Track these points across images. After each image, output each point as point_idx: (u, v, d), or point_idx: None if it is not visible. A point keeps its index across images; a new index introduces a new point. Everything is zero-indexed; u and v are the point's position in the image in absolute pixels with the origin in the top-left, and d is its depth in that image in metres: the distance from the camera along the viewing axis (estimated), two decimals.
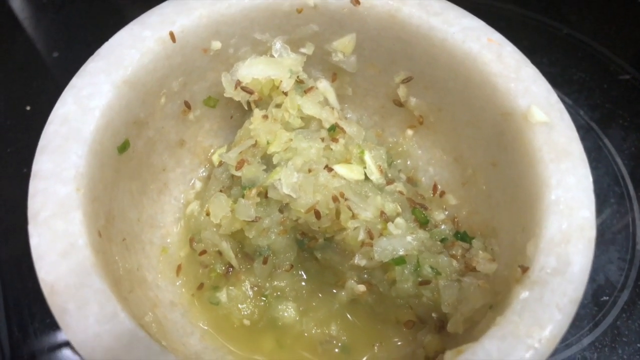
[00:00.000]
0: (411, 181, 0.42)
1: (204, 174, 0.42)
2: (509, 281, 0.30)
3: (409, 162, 0.43)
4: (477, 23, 0.36)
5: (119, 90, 0.33)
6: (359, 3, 0.37)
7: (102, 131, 0.32)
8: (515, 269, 0.30)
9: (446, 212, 0.41)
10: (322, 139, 0.38)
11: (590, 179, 0.32)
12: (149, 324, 0.32)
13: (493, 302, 0.31)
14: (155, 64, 0.35)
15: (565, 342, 0.48)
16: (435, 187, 0.41)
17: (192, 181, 0.41)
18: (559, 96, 0.60)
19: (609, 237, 0.54)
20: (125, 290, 0.32)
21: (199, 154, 0.41)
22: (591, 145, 0.58)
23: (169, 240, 0.39)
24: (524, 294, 0.28)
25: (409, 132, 0.42)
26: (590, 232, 0.30)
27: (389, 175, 0.40)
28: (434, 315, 0.36)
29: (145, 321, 0.32)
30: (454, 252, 0.37)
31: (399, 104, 0.41)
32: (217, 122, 0.42)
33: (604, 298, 0.50)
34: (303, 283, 0.39)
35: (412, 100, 0.41)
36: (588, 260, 0.29)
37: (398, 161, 0.43)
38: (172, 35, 0.35)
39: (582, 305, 0.50)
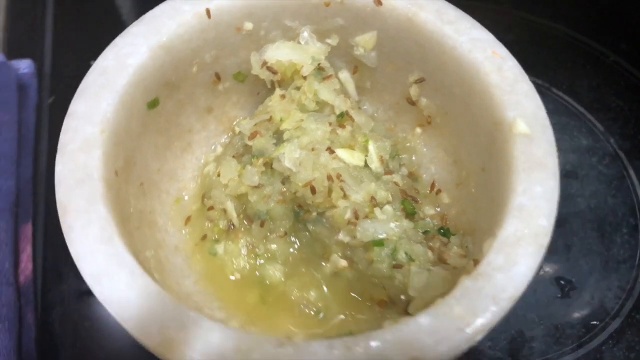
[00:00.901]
0: (412, 176, 0.45)
1: (226, 140, 0.46)
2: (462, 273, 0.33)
3: (414, 158, 0.46)
4: (487, 36, 0.39)
5: (154, 52, 0.38)
6: (381, 3, 0.40)
7: (134, 86, 0.37)
8: (470, 263, 0.33)
9: (438, 209, 0.43)
10: (330, 124, 0.42)
11: (557, 192, 0.34)
12: (148, 259, 0.37)
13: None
14: (190, 35, 0.39)
15: (546, 356, 0.50)
16: (433, 185, 0.44)
17: (215, 145, 0.46)
18: (591, 121, 0.61)
19: (613, 265, 0.54)
20: (132, 226, 0.37)
21: (224, 122, 0.46)
22: (614, 173, 0.59)
23: (184, 194, 0.44)
24: (467, 283, 0.31)
25: (418, 130, 0.45)
26: (544, 239, 0.32)
27: (390, 166, 0.44)
28: (402, 297, 0.39)
29: (145, 255, 0.37)
30: (432, 244, 0.40)
31: (412, 102, 0.44)
32: (245, 96, 0.46)
33: (594, 322, 0.51)
34: (292, 250, 0.43)
35: (423, 101, 0.44)
36: (535, 263, 0.31)
37: (404, 156, 0.46)
38: (208, 11, 0.39)
39: (570, 325, 0.51)
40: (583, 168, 0.59)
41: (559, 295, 0.53)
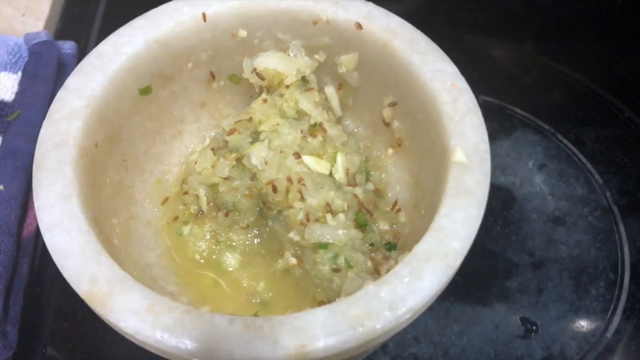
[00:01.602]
0: (378, 192, 0.48)
1: (217, 134, 0.50)
2: None
3: (383, 176, 0.48)
4: (451, 69, 0.41)
5: (149, 45, 0.43)
6: (361, 27, 0.43)
7: (125, 72, 0.42)
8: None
9: (394, 226, 0.46)
10: (302, 131, 0.45)
11: (479, 220, 0.36)
12: (113, 225, 0.42)
13: None
14: (187, 34, 0.44)
15: None
16: (395, 204, 0.47)
17: (205, 138, 0.50)
18: (591, 172, 0.62)
19: (583, 316, 0.55)
20: (104, 193, 0.42)
21: (217, 118, 0.50)
22: (604, 226, 0.59)
23: (167, 177, 0.48)
24: (370, 287, 0.33)
25: (390, 150, 0.48)
26: (453, 261, 0.34)
27: (356, 180, 0.46)
28: (337, 300, 0.41)
29: (112, 222, 0.42)
30: (374, 255, 0.42)
31: (386, 124, 0.47)
32: (239, 97, 0.50)
33: None
34: (251, 242, 0.46)
35: (395, 123, 0.46)
36: (439, 281, 0.33)
37: (375, 172, 0.48)
38: (204, 15, 0.44)
39: None
40: (572, 216, 0.60)
41: (521, 336, 0.53)
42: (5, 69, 0.62)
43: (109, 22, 0.70)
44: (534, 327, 0.54)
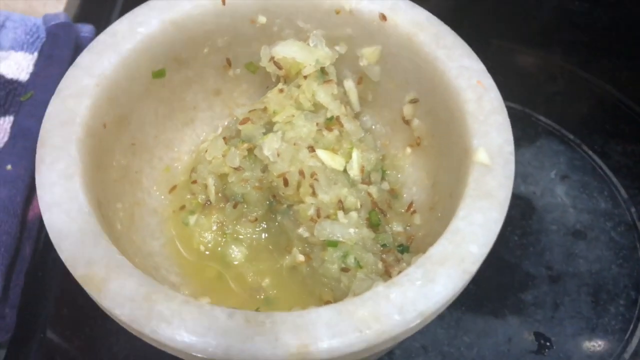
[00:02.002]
0: (393, 192, 0.46)
1: (229, 123, 0.49)
2: None
3: (399, 176, 0.46)
4: (477, 65, 0.39)
5: (165, 26, 0.41)
6: (385, 19, 0.42)
7: (138, 52, 0.40)
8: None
9: (408, 228, 0.44)
10: (317, 124, 0.43)
11: (499, 224, 0.34)
12: (117, 210, 0.40)
13: None
14: (204, 17, 0.43)
15: None
16: (410, 205, 0.45)
17: (217, 127, 0.49)
18: (616, 186, 0.59)
19: (600, 334, 0.53)
20: (110, 177, 0.40)
21: (231, 107, 0.49)
22: (626, 242, 0.57)
23: (177, 164, 0.47)
24: (379, 289, 0.31)
25: (408, 149, 0.46)
26: (470, 267, 0.32)
27: (371, 178, 0.45)
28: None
29: (116, 206, 0.40)
30: (385, 257, 0.40)
31: (405, 122, 0.45)
32: (254, 86, 0.48)
33: None
34: (258, 236, 0.44)
35: (415, 122, 0.44)
36: (453, 286, 0.31)
37: (392, 172, 0.47)
38: None
39: None
40: (594, 230, 0.57)
41: (534, 351, 0.51)
42: (22, 49, 0.61)
43: (128, 7, 0.69)
44: (548, 343, 0.52)
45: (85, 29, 0.64)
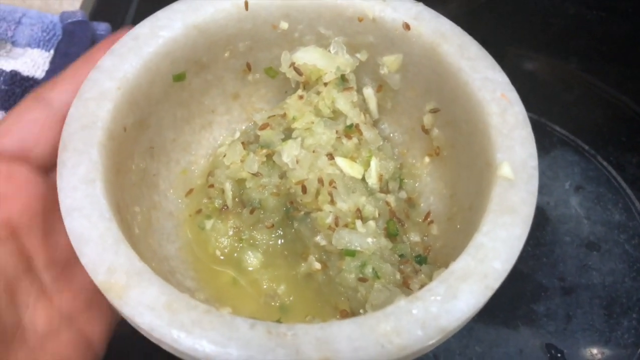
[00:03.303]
0: (410, 202, 0.46)
1: (247, 128, 0.49)
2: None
3: (417, 185, 0.46)
4: (501, 78, 0.39)
5: (188, 30, 0.41)
6: (409, 28, 0.41)
7: (160, 56, 0.40)
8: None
9: (425, 238, 0.44)
10: (337, 131, 0.43)
11: (522, 241, 0.33)
12: (135, 213, 0.40)
13: None
14: (227, 22, 0.42)
15: None
16: (428, 215, 0.45)
17: (235, 131, 0.48)
18: (631, 198, 0.59)
19: (613, 347, 0.53)
20: (129, 180, 0.40)
21: (249, 111, 0.48)
22: None
23: (193, 168, 0.47)
24: (402, 303, 0.31)
25: (427, 159, 0.46)
26: (493, 282, 0.32)
27: (389, 187, 0.44)
28: (361, 311, 0.39)
29: (134, 210, 0.40)
30: (403, 267, 0.40)
31: (425, 131, 0.45)
32: (273, 91, 0.48)
33: None
34: (275, 242, 0.44)
35: (435, 131, 0.44)
36: (476, 302, 0.31)
37: (409, 181, 0.46)
38: (246, 4, 0.42)
39: None
40: (608, 242, 0.57)
41: None
42: (38, 46, 0.61)
43: (145, 6, 0.69)
44: (559, 355, 0.52)
45: (102, 27, 0.64)
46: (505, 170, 0.35)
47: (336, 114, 0.44)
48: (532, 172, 0.35)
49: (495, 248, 0.32)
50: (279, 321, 0.37)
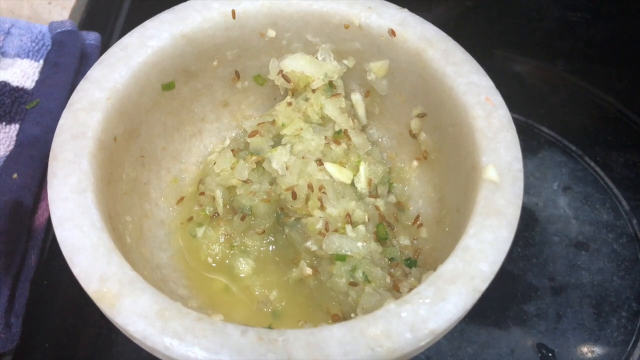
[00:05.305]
0: (400, 205, 0.46)
1: (237, 135, 0.49)
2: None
3: (406, 189, 0.47)
4: (486, 82, 0.39)
5: (176, 40, 0.41)
6: (394, 34, 0.42)
7: (149, 65, 0.41)
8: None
9: (415, 241, 0.44)
10: (326, 137, 0.43)
11: (509, 243, 0.34)
12: (127, 223, 0.40)
13: None
14: (214, 31, 0.43)
15: None
16: (417, 218, 0.45)
17: (225, 138, 0.49)
18: (618, 198, 0.60)
19: (603, 346, 0.53)
20: (120, 190, 0.40)
21: (238, 118, 0.49)
22: (628, 254, 0.57)
23: (184, 176, 0.47)
24: (391, 306, 0.31)
25: (415, 163, 0.46)
26: (480, 285, 0.32)
27: (378, 191, 0.45)
28: (352, 315, 0.40)
29: (125, 219, 0.40)
30: (393, 271, 0.41)
31: (413, 135, 0.46)
32: (262, 98, 0.49)
33: None
34: (266, 248, 0.45)
35: (423, 135, 0.45)
36: (464, 304, 0.32)
37: (398, 185, 0.47)
38: (233, 12, 0.42)
39: None
40: (596, 242, 0.58)
41: None
42: (27, 56, 0.61)
43: (134, 15, 0.69)
44: (550, 355, 0.52)
45: (91, 36, 0.64)
46: (490, 173, 0.36)
47: (325, 120, 0.45)
48: (517, 174, 0.36)
49: (482, 250, 0.33)
50: (270, 327, 0.37)
